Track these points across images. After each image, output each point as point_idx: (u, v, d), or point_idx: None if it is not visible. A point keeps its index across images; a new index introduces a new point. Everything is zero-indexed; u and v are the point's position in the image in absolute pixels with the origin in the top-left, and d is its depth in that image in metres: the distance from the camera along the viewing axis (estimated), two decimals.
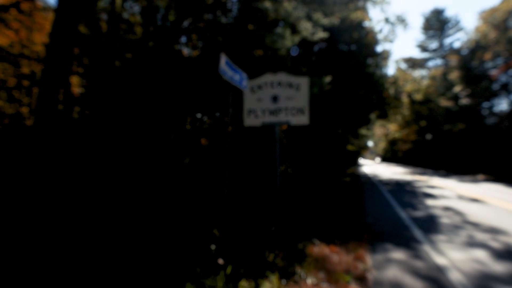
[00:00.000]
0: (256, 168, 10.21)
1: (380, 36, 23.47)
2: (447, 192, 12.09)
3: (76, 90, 10.56)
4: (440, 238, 5.45)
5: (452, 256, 4.46)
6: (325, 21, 8.48)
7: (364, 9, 20.54)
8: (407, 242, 5.17)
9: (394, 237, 5.49)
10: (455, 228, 6.21)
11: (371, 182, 17.66)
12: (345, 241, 5.08)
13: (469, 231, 5.95)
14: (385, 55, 24.85)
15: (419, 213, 7.78)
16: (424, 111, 40.02)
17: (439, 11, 44.63)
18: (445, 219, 7.03)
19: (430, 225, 6.47)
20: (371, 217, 7.17)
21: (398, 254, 4.57)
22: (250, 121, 6.77)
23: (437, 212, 7.96)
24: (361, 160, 64.71)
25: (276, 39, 8.71)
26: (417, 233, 5.76)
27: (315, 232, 5.42)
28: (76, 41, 5.33)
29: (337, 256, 4.38)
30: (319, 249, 4.58)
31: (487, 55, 28.25)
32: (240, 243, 4.29)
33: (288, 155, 17.19)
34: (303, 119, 6.53)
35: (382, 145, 74.03)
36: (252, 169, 10.09)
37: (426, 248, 4.82)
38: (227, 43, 10.78)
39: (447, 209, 8.38)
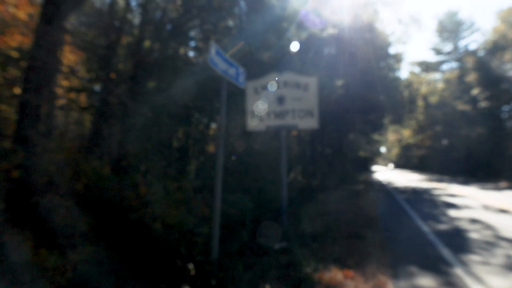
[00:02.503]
0: (261, 175, 9.54)
1: (392, 38, 22.66)
2: (470, 202, 11.19)
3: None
4: (473, 258, 4.68)
5: (493, 284, 3.70)
6: (334, 17, 7.84)
7: (375, 11, 19.84)
8: (434, 264, 4.41)
9: (419, 257, 4.73)
10: (488, 245, 5.42)
11: (386, 190, 16.80)
12: (361, 262, 4.36)
13: (506, 249, 5.15)
14: (398, 58, 24.01)
15: (443, 227, 6.99)
16: (439, 116, 38.82)
17: (453, 13, 43.54)
18: (474, 234, 6.23)
19: (458, 241, 5.69)
20: (389, 232, 6.41)
21: (426, 281, 3.82)
22: (253, 124, 6.14)
23: (463, 225, 7.15)
24: (374, 167, 63.37)
25: (282, 36, 8.11)
26: (445, 252, 4.99)
27: (326, 251, 4.72)
28: (62, 40, 4.78)
29: (353, 284, 3.67)
30: (330, 274, 3.87)
31: (507, 56, 27.08)
32: (235, 266, 3.61)
33: (298, 161, 16.49)
34: (311, 122, 5.87)
35: (396, 151, 72.57)
36: (257, 176, 9.43)
37: (459, 272, 4.06)
38: (233, 46, 10.24)
39: (474, 221, 7.55)
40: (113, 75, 8.68)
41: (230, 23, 11.17)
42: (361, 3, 16.95)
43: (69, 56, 9.94)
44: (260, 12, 8.92)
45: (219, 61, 3.44)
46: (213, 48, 3.28)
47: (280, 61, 9.28)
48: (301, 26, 8.62)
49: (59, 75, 6.03)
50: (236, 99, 7.34)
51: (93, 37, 8.57)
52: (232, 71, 3.89)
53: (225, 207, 3.91)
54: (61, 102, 6.07)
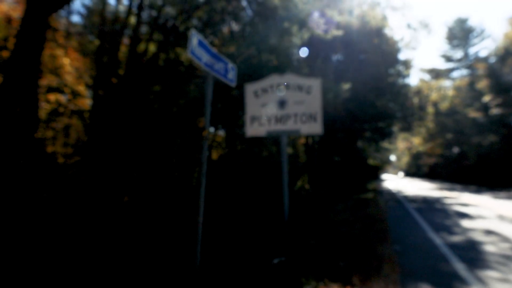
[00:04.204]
0: (264, 183, 9.22)
1: (401, 44, 22.30)
2: (484, 211, 10.68)
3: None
4: (490, 275, 4.27)
5: None
6: (340, 18, 7.54)
7: (384, 16, 19.54)
8: (449, 281, 4.02)
9: (431, 273, 4.33)
10: (507, 259, 4.99)
11: (395, 199, 16.28)
12: (368, 279, 3.99)
13: None
14: (407, 64, 23.58)
15: (456, 239, 6.56)
16: (450, 123, 38.11)
17: (462, 20, 43.03)
18: (490, 247, 5.80)
19: (473, 255, 5.27)
20: (399, 244, 6.01)
21: None
22: (253, 130, 5.81)
23: (478, 237, 6.71)
24: (384, 175, 62.43)
25: (290, 41, 7.82)
26: (460, 267, 4.58)
27: (329, 266, 4.35)
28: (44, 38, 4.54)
29: None
30: None
31: None
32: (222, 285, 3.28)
33: (305, 169, 16.13)
34: (315, 128, 5.52)
35: (405, 159, 71.67)
36: (258, 186, 9.10)
37: None
38: (238, 51, 10.02)
39: (489, 233, 7.10)
40: (114, 80, 8.50)
41: (235, 27, 10.93)
42: (370, 8, 16.69)
43: (71, 61, 9.83)
44: (267, 17, 8.67)
45: (203, 53, 3.06)
46: (194, 38, 2.91)
47: (288, 67, 8.99)
48: (309, 30, 8.33)
49: (47, 76, 5.79)
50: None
51: (88, 40, 8.38)
52: (219, 66, 3.51)
53: (218, 217, 3.58)
54: (51, 106, 5.85)
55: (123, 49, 8.91)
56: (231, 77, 3.95)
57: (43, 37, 4.09)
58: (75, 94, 7.26)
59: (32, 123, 4.17)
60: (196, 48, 3.01)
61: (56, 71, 8.51)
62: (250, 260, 4.13)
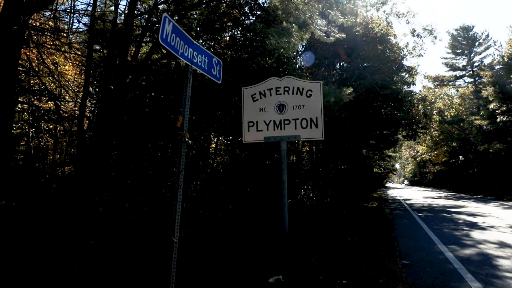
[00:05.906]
0: (264, 193, 8.86)
1: (406, 51, 21.95)
2: (494, 221, 10.23)
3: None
4: None
5: None
6: (343, 20, 7.22)
7: (388, 23, 19.28)
8: None
9: None
10: None
11: (401, 208, 15.83)
12: None
13: None
14: (412, 71, 23.22)
15: (468, 252, 6.15)
16: (455, 131, 37.65)
17: (467, 28, 42.75)
18: (506, 262, 5.38)
19: (488, 271, 4.86)
20: (407, 258, 5.61)
21: None
22: (250, 136, 5.47)
23: (491, 250, 6.28)
24: (389, 183, 61.78)
25: (292, 48, 7.51)
26: (475, 286, 4.17)
27: (331, 284, 3.97)
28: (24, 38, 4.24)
29: None
30: None
31: None
32: None
33: (309, 177, 15.74)
34: (316, 133, 5.17)
35: (410, 167, 71.00)
36: (259, 195, 8.75)
37: None
38: (240, 58, 9.76)
39: (502, 245, 6.68)
40: (111, 87, 8.23)
41: (236, 32, 10.67)
42: (374, 15, 16.47)
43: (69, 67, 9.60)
44: (268, 22, 8.39)
45: (179, 43, 2.57)
46: (167, 23, 2.37)
47: (290, 74, 8.71)
48: (310, 32, 8.04)
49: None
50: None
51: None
52: (200, 59, 2.97)
53: (213, 226, 3.23)
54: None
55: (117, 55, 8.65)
56: (216, 73, 3.42)
57: (21, 38, 3.80)
58: (68, 101, 6.97)
59: (4, 129, 3.86)
60: (170, 36, 2.47)
61: (54, 77, 8.28)
62: (243, 278, 3.76)
